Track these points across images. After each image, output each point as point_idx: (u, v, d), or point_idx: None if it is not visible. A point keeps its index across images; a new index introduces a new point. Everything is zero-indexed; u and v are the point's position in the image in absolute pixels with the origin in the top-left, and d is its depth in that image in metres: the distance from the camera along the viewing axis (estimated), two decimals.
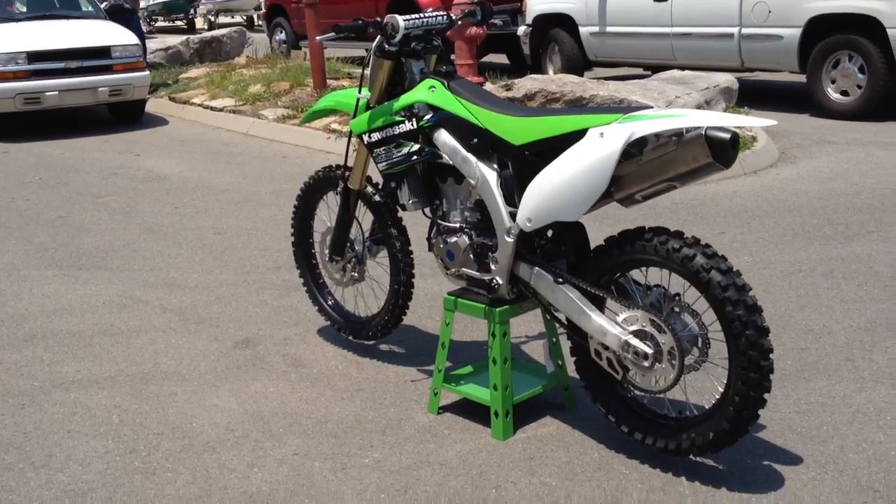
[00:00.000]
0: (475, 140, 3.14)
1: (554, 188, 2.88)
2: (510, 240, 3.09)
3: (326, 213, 4.07)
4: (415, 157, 3.32)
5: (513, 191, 3.10)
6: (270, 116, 9.44)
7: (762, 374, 2.70)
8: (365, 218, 3.83)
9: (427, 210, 3.47)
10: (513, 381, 3.23)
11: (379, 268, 4.02)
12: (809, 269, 4.77)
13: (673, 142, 2.72)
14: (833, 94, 8.76)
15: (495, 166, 3.14)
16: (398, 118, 3.32)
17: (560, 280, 3.02)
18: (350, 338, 4.01)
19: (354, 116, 3.52)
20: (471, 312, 3.30)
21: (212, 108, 10.32)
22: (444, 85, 3.25)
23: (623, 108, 2.89)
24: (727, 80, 8.36)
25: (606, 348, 2.96)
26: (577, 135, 2.85)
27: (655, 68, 10.46)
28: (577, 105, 7.26)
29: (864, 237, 5.26)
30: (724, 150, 2.64)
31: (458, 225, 3.32)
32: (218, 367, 3.90)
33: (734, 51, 9.33)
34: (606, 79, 8.75)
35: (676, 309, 2.89)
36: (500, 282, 3.17)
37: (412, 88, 3.33)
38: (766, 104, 9.42)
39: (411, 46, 3.35)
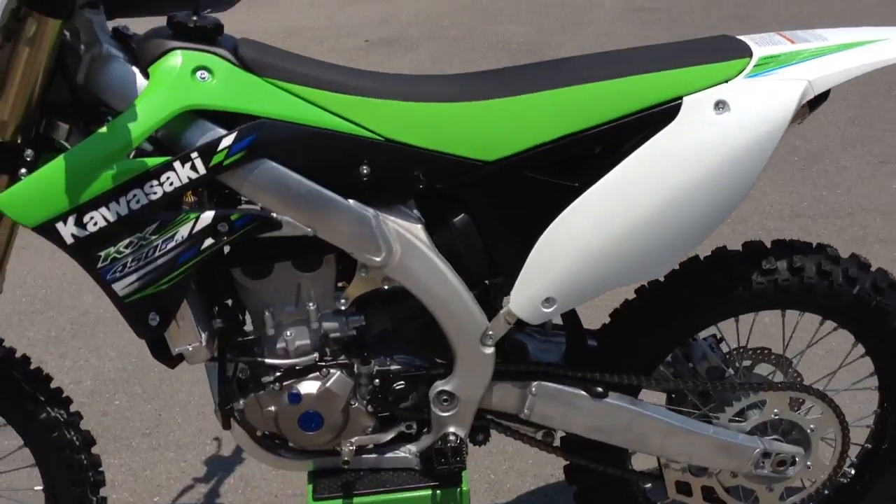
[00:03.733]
0: (365, 169, 1.53)
1: (623, 231, 1.56)
2: (488, 350, 1.65)
3: None
4: (210, 243, 1.49)
5: (479, 254, 1.64)
6: None
7: None
8: None
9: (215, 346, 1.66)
10: None
11: None
12: None
13: None
14: None
15: (416, 213, 1.61)
16: (149, 163, 1.44)
17: (600, 391, 1.70)
18: None
19: None
20: None
21: None
22: (228, 59, 1.49)
23: (725, 40, 1.63)
24: None
25: (701, 472, 1.84)
26: (649, 118, 1.54)
27: None
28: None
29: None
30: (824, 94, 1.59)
31: (314, 357, 1.67)
32: None
33: None
34: None
35: (748, 362, 1.85)
36: (461, 434, 1.72)
37: (123, 80, 1.47)
38: None
39: None
